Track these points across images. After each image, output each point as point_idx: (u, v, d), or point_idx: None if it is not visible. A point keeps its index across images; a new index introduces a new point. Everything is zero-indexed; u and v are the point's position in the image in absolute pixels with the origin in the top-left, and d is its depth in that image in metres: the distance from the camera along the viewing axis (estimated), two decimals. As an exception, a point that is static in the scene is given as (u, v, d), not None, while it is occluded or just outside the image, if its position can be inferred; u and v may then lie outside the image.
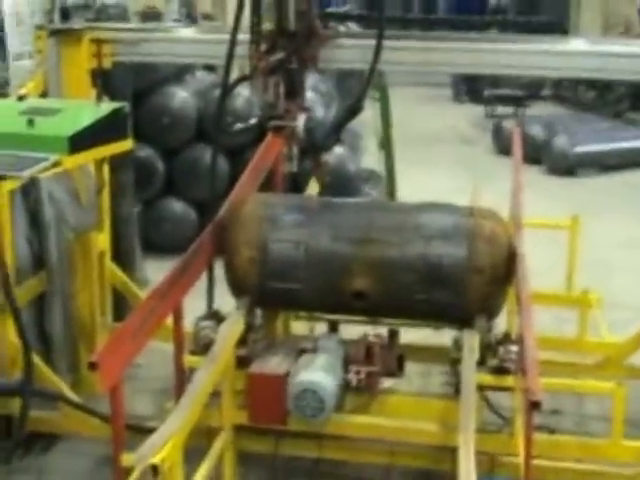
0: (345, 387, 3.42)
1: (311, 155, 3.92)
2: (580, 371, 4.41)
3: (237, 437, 3.56)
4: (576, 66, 4.12)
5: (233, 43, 3.63)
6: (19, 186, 3.74)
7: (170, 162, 7.15)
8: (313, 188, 4.47)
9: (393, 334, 3.68)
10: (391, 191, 7.46)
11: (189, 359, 3.46)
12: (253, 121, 6.59)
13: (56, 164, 3.60)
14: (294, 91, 3.66)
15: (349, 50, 4.12)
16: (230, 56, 3.65)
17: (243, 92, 6.81)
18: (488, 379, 3.37)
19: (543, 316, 4.03)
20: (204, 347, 3.43)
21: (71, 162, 3.76)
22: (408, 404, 3.52)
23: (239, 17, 3.60)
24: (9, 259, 3.63)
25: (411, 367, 3.70)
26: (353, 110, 3.85)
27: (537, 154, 10.60)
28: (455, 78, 16.18)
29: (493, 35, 7.99)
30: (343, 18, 10.75)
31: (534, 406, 2.50)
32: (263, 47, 3.59)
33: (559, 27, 16.62)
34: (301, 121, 3.62)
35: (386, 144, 7.45)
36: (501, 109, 14.26)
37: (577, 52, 4.14)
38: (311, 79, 6.54)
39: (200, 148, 7.03)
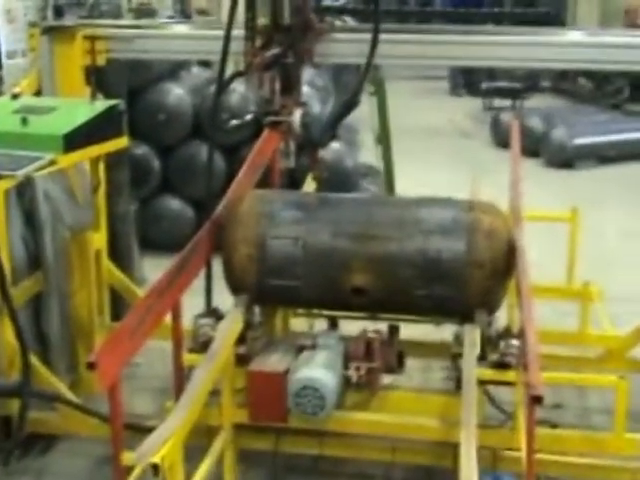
0: (345, 384, 3.40)
1: (308, 151, 3.90)
2: (582, 365, 4.39)
3: (237, 435, 3.54)
4: (573, 58, 4.09)
5: (228, 39, 3.61)
6: (14, 185, 3.71)
7: (166, 159, 7.12)
8: (310, 184, 4.44)
9: (393, 330, 3.65)
10: (389, 186, 7.43)
11: (188, 357, 3.43)
12: (249, 117, 6.55)
13: (51, 163, 3.57)
14: (290, 86, 3.63)
15: (345, 44, 4.08)
16: (225, 52, 3.62)
17: (238, 88, 6.78)
18: (489, 374, 3.35)
19: (544, 309, 4.01)
20: (203, 345, 3.40)
21: (66, 161, 3.74)
22: (409, 400, 3.50)
23: (233, 13, 3.58)
24: (5, 259, 3.60)
25: (411, 363, 3.68)
26: (349, 105, 3.83)
27: (535, 146, 10.58)
28: (452, 71, 16.15)
29: (490, 28, 7.95)
30: (339, 12, 10.70)
31: (536, 400, 2.48)
32: (258, 43, 3.56)
33: (556, 19, 16.60)
34: (297, 116, 3.59)
35: (383, 139, 7.42)
36: (499, 101, 14.23)
37: (574, 43, 4.11)
38: (307, 74, 6.50)
39: (196, 145, 7.00)
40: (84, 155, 3.95)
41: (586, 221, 4.90)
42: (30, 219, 4.03)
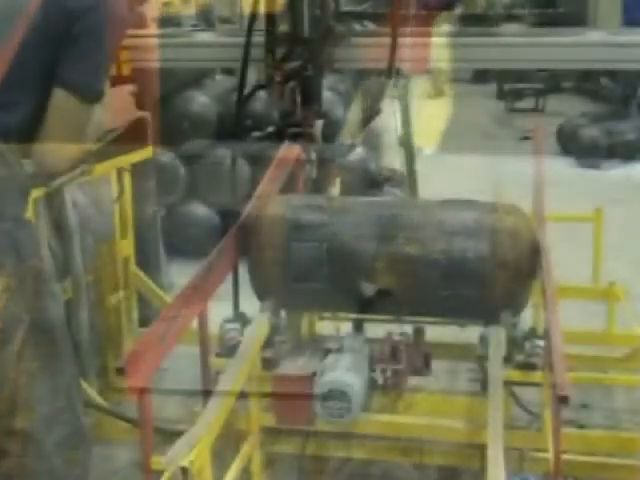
0: (372, 386, 3.42)
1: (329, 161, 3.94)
2: (609, 364, 4.38)
3: (265, 438, 3.57)
4: (595, 57, 4.09)
5: (247, 52, 3.65)
6: (43, 195, 3.76)
7: (191, 167, 7.18)
8: (334, 188, 4.46)
9: (419, 332, 3.67)
10: (412, 189, 7.42)
11: (215, 362, 3.47)
12: (271, 129, 6.58)
13: (83, 173, 3.62)
14: (310, 98, 3.67)
15: (366, 49, 4.11)
16: (245, 63, 3.66)
17: (262, 94, 6.80)
18: (515, 375, 3.36)
19: (570, 310, 4.00)
20: (230, 350, 3.44)
21: (99, 171, 3.82)
22: (435, 402, 3.51)
23: (252, 25, 3.62)
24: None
25: (437, 365, 3.69)
26: (371, 113, 3.87)
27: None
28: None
29: (511, 28, 7.95)
30: (360, 17, 10.71)
31: (562, 400, 2.48)
32: (278, 54, 3.61)
33: (577, 19, 16.46)
34: (318, 127, 3.64)
35: (406, 142, 7.42)
36: (522, 103, 14.16)
37: (595, 43, 4.11)
38: (329, 79, 6.52)
39: (221, 152, 7.05)
40: (114, 165, 4.02)
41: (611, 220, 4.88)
42: (58, 228, 4.09)
